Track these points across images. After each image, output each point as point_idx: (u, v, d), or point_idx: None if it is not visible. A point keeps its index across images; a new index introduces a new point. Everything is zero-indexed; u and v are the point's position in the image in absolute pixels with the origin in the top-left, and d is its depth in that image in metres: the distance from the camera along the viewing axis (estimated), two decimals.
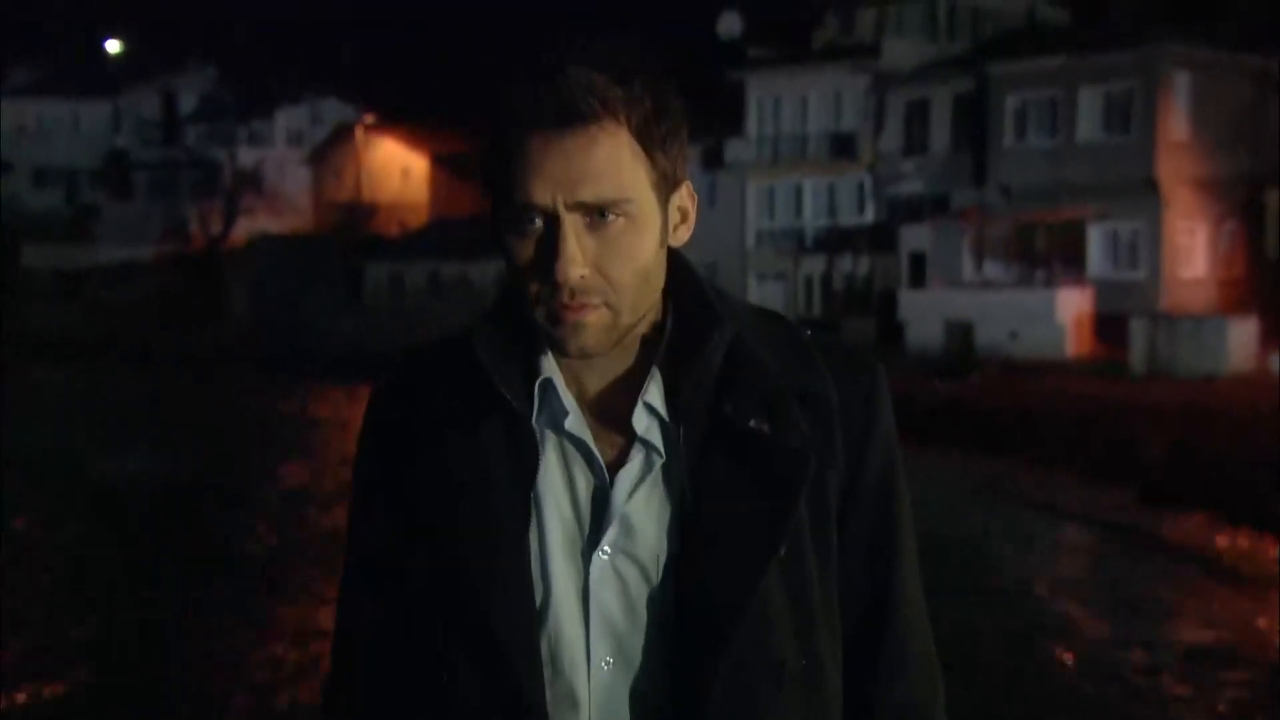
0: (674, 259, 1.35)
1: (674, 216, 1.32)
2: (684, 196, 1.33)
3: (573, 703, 1.30)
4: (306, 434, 21.12)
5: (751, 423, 1.29)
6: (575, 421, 1.31)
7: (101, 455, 18.54)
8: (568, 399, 1.32)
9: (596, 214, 1.25)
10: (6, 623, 9.46)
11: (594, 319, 1.27)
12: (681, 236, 1.34)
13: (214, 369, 34.16)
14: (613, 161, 1.24)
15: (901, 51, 34.12)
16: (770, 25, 38.67)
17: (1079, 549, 13.53)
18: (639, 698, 1.30)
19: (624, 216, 1.26)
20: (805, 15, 37.03)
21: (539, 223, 1.26)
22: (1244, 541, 12.65)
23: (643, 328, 1.33)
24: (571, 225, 1.25)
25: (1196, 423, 16.76)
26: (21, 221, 53.07)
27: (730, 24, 41.47)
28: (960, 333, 27.78)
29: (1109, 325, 26.55)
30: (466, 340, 1.33)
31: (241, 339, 39.84)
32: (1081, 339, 27.36)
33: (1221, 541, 12.73)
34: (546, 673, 1.29)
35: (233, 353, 37.32)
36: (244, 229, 52.04)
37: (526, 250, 1.27)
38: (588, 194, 1.24)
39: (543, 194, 1.24)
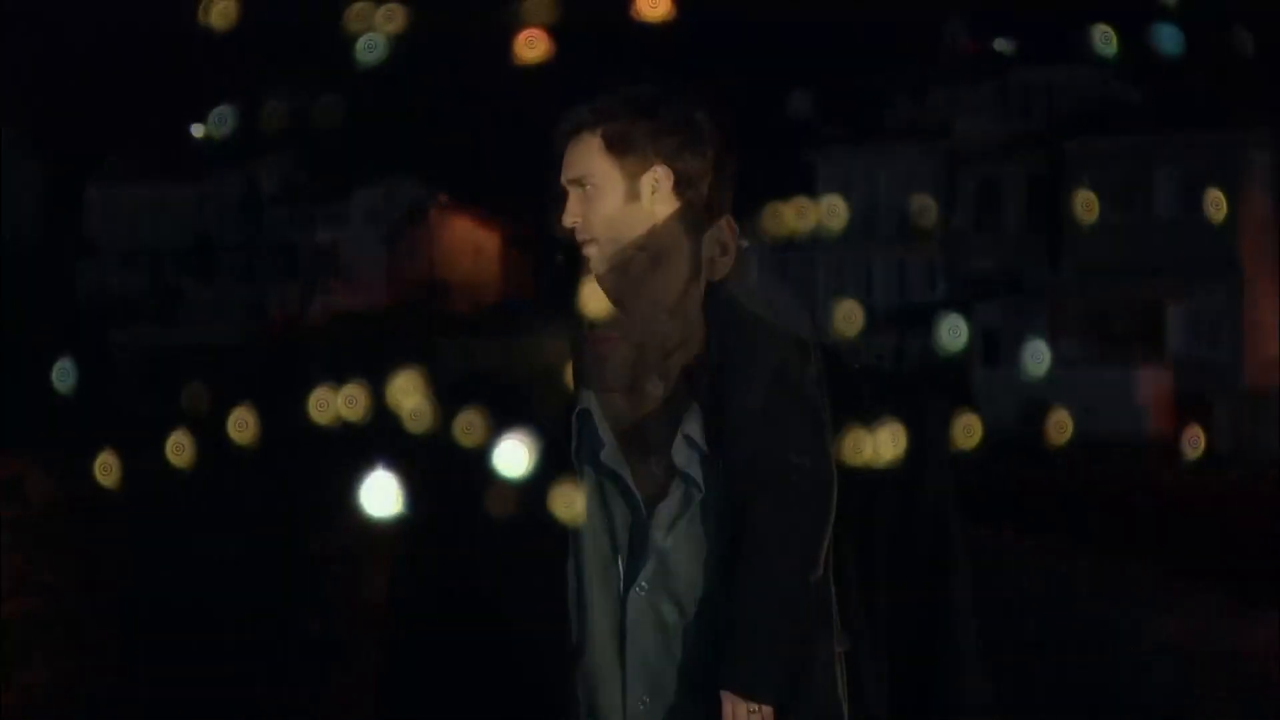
0: (717, 292, 1.36)
1: (711, 249, 1.36)
2: (723, 230, 1.37)
3: None
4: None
5: (792, 455, 1.27)
6: (611, 454, 1.31)
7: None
8: (604, 431, 1.31)
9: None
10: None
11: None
12: (720, 269, 1.36)
13: (286, 446, 34.59)
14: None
15: (973, 129, 34.11)
16: (841, 104, 38.90)
17: (1154, 646, 13.07)
18: None
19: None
20: (876, 94, 37.20)
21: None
22: None
23: (683, 357, 1.32)
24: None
25: None
26: (108, 304, 54.49)
27: (801, 103, 41.74)
28: (1036, 411, 27.36)
29: (1190, 405, 26.02)
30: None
31: (315, 415, 40.33)
32: (1161, 418, 26.83)
33: None
34: (582, 711, 1.28)
35: (307, 429, 37.80)
36: (321, 308, 52.96)
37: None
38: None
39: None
